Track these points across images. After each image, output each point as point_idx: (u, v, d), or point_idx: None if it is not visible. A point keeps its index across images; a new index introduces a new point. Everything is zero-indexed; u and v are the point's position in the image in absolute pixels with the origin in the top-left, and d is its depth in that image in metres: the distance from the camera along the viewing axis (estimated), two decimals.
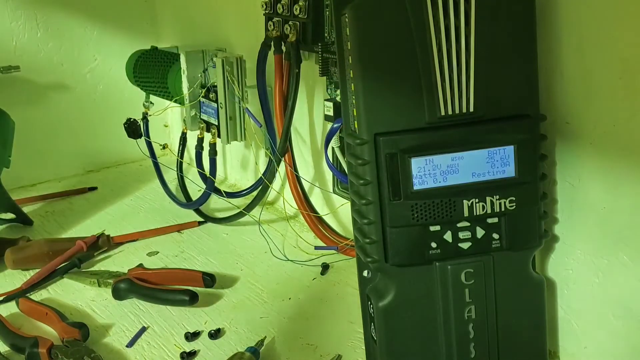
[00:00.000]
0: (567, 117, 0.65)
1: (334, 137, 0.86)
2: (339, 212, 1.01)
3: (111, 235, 1.05)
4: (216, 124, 1.07)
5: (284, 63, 0.92)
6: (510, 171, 0.63)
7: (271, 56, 0.94)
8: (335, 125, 0.85)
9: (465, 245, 0.64)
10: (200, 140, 1.10)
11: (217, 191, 1.09)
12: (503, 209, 0.63)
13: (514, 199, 0.63)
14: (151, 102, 1.23)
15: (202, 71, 1.10)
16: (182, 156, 1.17)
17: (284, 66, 0.92)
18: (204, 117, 1.11)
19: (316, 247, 1.00)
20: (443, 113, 0.61)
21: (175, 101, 1.15)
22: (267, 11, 0.95)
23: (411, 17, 0.59)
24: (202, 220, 1.12)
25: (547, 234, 0.68)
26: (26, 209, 1.17)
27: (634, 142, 0.60)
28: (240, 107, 1.05)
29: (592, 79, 0.62)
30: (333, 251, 0.98)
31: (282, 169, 0.99)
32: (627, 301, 0.64)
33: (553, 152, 0.67)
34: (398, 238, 0.63)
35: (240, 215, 1.06)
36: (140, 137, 1.15)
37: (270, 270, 0.96)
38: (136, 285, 0.88)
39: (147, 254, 1.03)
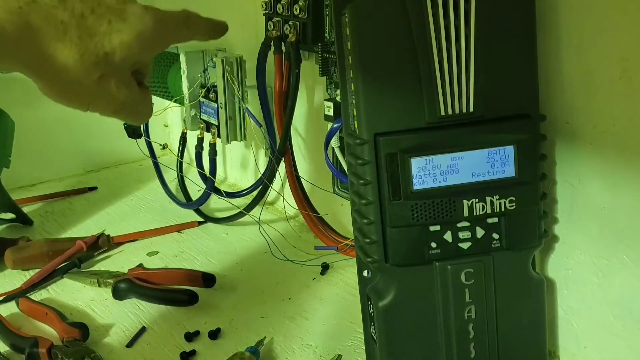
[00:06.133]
0: (567, 117, 0.65)
1: (334, 137, 0.85)
2: (339, 212, 1.00)
3: (111, 235, 1.05)
4: (216, 124, 1.07)
5: (284, 63, 0.92)
6: (510, 171, 0.63)
7: (271, 56, 0.94)
8: (335, 125, 0.85)
9: (465, 245, 0.64)
10: (200, 140, 1.10)
11: (217, 191, 1.08)
12: (503, 209, 0.63)
13: (514, 199, 0.63)
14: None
15: (202, 71, 1.10)
16: (182, 156, 1.17)
17: (284, 66, 0.92)
18: (204, 117, 1.11)
19: (316, 247, 1.00)
20: (443, 113, 0.61)
21: (175, 101, 1.15)
22: (267, 11, 0.94)
23: (411, 17, 0.59)
24: (202, 220, 1.12)
25: (547, 234, 0.68)
26: (26, 209, 1.17)
27: (634, 142, 0.60)
28: (240, 107, 1.05)
29: (592, 79, 0.62)
30: (333, 251, 0.98)
31: (282, 169, 0.99)
32: (627, 301, 0.64)
33: (553, 152, 0.67)
34: (398, 238, 0.63)
35: (240, 215, 1.06)
36: (140, 137, 1.15)
37: (270, 270, 0.96)
38: (136, 285, 0.88)
39: (147, 254, 1.02)
